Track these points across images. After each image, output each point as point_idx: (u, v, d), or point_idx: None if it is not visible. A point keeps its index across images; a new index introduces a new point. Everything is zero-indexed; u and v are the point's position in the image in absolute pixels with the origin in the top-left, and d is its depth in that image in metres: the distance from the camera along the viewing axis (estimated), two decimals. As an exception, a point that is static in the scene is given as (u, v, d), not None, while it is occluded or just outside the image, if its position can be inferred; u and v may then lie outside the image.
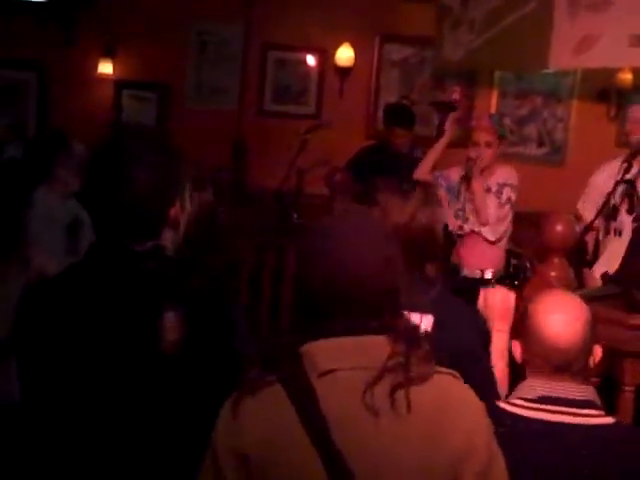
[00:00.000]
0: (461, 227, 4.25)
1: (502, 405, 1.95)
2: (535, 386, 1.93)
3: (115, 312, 1.63)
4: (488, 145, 4.18)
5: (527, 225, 4.22)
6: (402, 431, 1.40)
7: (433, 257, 2.23)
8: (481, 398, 2.19)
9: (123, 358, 1.62)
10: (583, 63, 4.37)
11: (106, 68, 6.39)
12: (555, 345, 1.89)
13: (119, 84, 6.47)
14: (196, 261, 1.89)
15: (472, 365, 2.16)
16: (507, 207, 4.21)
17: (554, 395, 1.90)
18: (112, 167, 1.66)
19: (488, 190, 4.22)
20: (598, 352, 1.96)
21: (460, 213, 4.27)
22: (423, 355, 1.46)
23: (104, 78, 6.42)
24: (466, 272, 4.18)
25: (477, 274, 4.12)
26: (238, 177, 5.99)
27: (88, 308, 1.65)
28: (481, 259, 4.18)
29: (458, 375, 1.51)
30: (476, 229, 4.22)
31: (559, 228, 2.51)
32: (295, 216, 5.09)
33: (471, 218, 4.23)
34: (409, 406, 1.40)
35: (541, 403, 1.89)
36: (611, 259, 3.53)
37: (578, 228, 3.23)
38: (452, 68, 5.85)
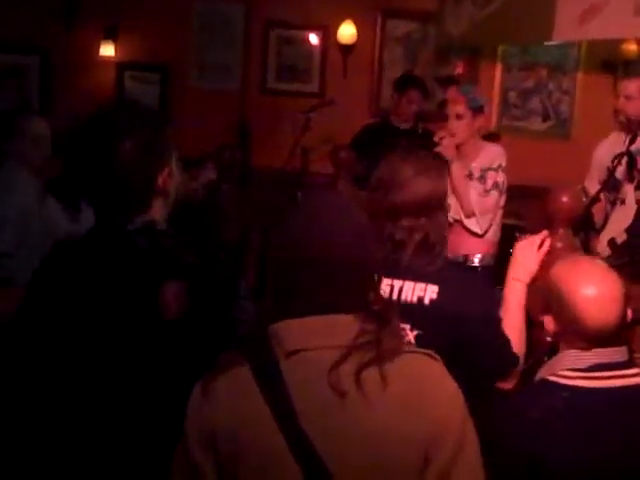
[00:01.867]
0: None
1: (553, 379, 1.94)
2: (581, 356, 1.93)
3: (114, 290, 1.63)
4: (459, 117, 3.82)
5: (533, 200, 4.16)
6: (369, 411, 1.38)
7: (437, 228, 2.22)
8: (497, 365, 2.20)
9: (125, 332, 1.62)
10: (587, 34, 4.33)
11: (108, 50, 6.36)
12: (599, 325, 1.90)
13: (121, 66, 6.44)
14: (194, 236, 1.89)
15: (483, 330, 2.16)
16: (494, 194, 3.80)
17: (605, 361, 1.91)
18: (95, 139, 1.67)
19: (470, 176, 3.83)
20: (629, 314, 1.97)
21: None
22: (392, 332, 1.44)
23: (106, 60, 6.40)
24: (449, 257, 3.78)
25: (460, 259, 3.79)
26: (242, 156, 5.98)
27: (85, 288, 1.65)
28: (467, 247, 3.83)
29: (435, 355, 1.48)
30: (458, 218, 3.82)
31: (564, 199, 2.50)
32: (299, 195, 5.08)
33: (453, 207, 3.74)
34: (376, 385, 1.37)
35: (594, 371, 1.90)
36: (616, 226, 3.53)
37: (584, 199, 3.22)
38: (456, 43, 5.81)
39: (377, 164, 2.29)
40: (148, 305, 1.61)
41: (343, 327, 1.42)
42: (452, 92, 4.02)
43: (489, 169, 3.81)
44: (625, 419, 1.87)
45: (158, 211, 1.72)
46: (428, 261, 2.17)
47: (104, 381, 1.64)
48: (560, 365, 1.97)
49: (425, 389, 1.42)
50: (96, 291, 1.64)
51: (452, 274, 2.25)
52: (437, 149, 3.75)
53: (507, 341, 2.20)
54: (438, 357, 1.48)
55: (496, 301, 2.32)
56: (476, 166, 3.85)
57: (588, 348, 1.93)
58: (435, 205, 2.22)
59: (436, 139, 3.79)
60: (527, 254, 2.35)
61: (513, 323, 2.26)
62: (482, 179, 3.82)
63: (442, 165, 2.34)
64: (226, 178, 4.52)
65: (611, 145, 3.91)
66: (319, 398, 1.39)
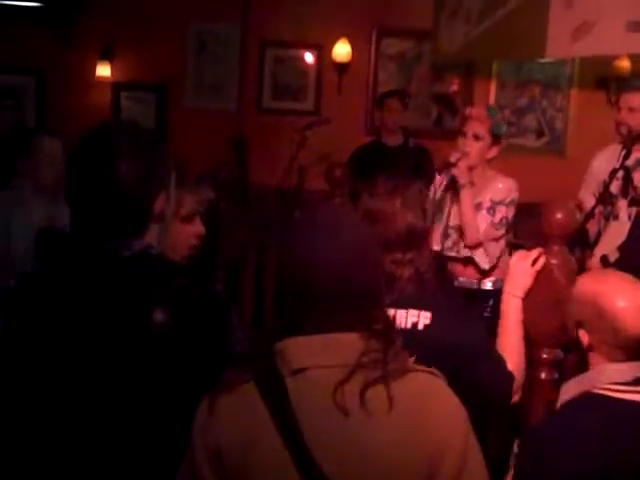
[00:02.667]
0: (451, 249, 3.60)
1: (602, 392, 1.95)
2: (623, 370, 1.94)
3: (103, 315, 1.62)
4: (477, 138, 3.54)
5: (529, 216, 4.17)
6: (373, 430, 1.38)
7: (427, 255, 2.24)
8: (494, 389, 2.20)
9: (111, 358, 1.61)
10: (580, 51, 4.36)
11: (104, 71, 6.39)
12: (632, 335, 1.92)
13: (117, 86, 6.47)
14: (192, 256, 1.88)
15: (478, 358, 2.17)
16: (501, 229, 3.55)
17: None
18: (93, 161, 1.65)
19: (479, 206, 3.56)
20: None
21: (451, 232, 3.61)
22: (396, 351, 1.44)
23: (102, 81, 6.43)
24: (462, 281, 3.63)
25: (474, 284, 3.60)
26: (239, 174, 6.00)
27: (74, 312, 1.63)
28: (478, 274, 3.61)
29: (437, 372, 1.49)
30: (468, 254, 3.57)
31: (559, 216, 2.50)
32: (297, 212, 5.09)
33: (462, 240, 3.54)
34: (380, 404, 1.38)
35: (638, 384, 1.91)
36: (609, 242, 3.54)
37: (579, 216, 3.23)
38: (450, 60, 5.84)
39: (367, 188, 2.29)
40: (139, 333, 1.60)
41: (348, 346, 1.43)
42: (478, 110, 3.64)
43: (500, 203, 3.56)
44: None
45: (153, 235, 1.71)
46: (419, 289, 2.19)
47: (98, 405, 1.63)
48: (603, 378, 1.97)
49: (428, 406, 1.42)
50: (87, 319, 1.62)
51: (444, 300, 2.27)
52: (453, 171, 3.52)
53: (501, 361, 2.21)
54: (440, 374, 1.49)
55: (488, 325, 2.34)
56: (487, 197, 3.58)
57: (625, 360, 1.94)
58: (422, 237, 2.24)
59: (452, 160, 3.52)
60: (522, 269, 2.37)
61: (510, 339, 2.27)
62: (492, 211, 3.56)
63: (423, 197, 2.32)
64: (223, 197, 4.53)
65: (609, 158, 3.93)
66: (324, 416, 1.39)
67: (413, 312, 2.15)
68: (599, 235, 3.82)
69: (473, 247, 3.55)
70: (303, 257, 1.45)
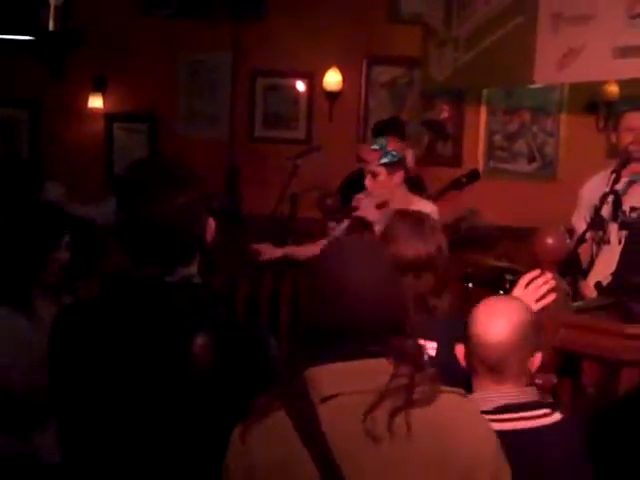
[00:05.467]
0: None
1: None
2: (489, 397, 1.93)
3: (145, 342, 1.64)
4: (373, 176, 3.56)
5: (522, 241, 4.17)
6: (404, 455, 1.40)
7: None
8: None
9: (153, 387, 1.62)
10: (568, 77, 4.41)
11: (96, 102, 6.42)
12: (483, 341, 1.92)
13: (110, 117, 6.50)
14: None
15: None
16: None
17: (511, 402, 1.92)
18: (151, 190, 1.67)
19: None
20: (537, 359, 1.98)
21: None
22: (429, 376, 1.47)
23: (95, 112, 6.46)
24: None
25: None
26: (232, 203, 6.01)
27: (118, 339, 1.65)
28: None
29: (463, 392, 1.52)
30: None
31: (550, 241, 2.52)
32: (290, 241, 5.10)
33: None
34: (409, 429, 1.39)
35: (500, 413, 1.89)
36: (602, 268, 3.54)
37: (569, 240, 3.24)
38: (440, 87, 5.89)
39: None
40: (180, 358, 1.61)
41: (378, 371, 1.45)
42: (363, 150, 3.67)
43: None
44: (526, 463, 1.84)
45: (194, 265, 1.73)
46: (425, 318, 2.17)
47: (137, 435, 1.64)
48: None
49: (458, 428, 1.44)
50: (129, 342, 1.64)
51: (450, 330, 2.25)
52: (355, 213, 3.55)
53: None
54: (465, 393, 1.52)
55: None
56: None
57: (493, 384, 1.93)
58: (427, 264, 2.24)
59: (353, 203, 3.59)
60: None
61: None
62: None
63: (433, 225, 2.31)
64: (215, 226, 4.54)
65: (599, 184, 3.94)
66: (356, 442, 1.41)
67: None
68: (592, 260, 3.82)
69: None
70: (332, 289, 1.47)
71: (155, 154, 2.36)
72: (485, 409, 1.88)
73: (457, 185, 4.30)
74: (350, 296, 1.46)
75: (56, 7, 5.97)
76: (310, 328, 1.51)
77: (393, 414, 1.40)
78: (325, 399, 1.43)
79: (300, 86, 6.46)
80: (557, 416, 1.94)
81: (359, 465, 1.40)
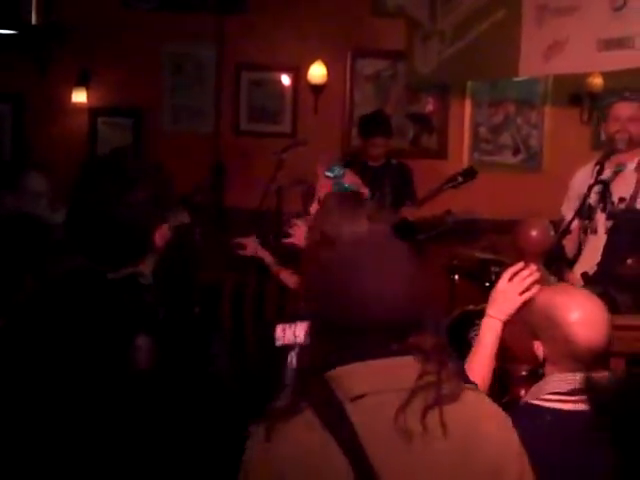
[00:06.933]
0: None
1: (536, 402, 1.97)
2: (565, 379, 1.96)
3: (86, 340, 1.62)
4: (319, 203, 3.20)
5: (507, 233, 4.17)
6: (436, 451, 1.42)
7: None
8: None
9: (93, 384, 1.60)
10: (552, 69, 4.42)
11: (80, 97, 6.38)
12: (589, 349, 1.95)
13: (94, 112, 6.46)
14: (171, 287, 1.88)
15: None
16: None
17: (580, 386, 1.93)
18: (105, 185, 1.66)
19: None
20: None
21: None
22: (453, 372, 1.48)
23: (78, 107, 6.42)
24: None
25: None
26: (216, 197, 5.99)
27: (57, 336, 1.63)
28: None
29: (478, 388, 1.55)
30: None
31: (534, 233, 2.53)
32: (272, 236, 5.08)
33: None
34: (444, 426, 1.41)
35: (576, 394, 1.92)
36: (589, 258, 3.55)
37: (553, 232, 3.24)
38: (425, 80, 5.89)
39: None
40: (118, 357, 1.59)
41: (405, 370, 1.46)
42: (319, 168, 3.35)
43: None
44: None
45: (147, 265, 1.71)
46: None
47: (73, 431, 1.62)
48: (544, 389, 2.00)
49: (482, 424, 1.46)
50: (69, 339, 1.63)
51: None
52: (288, 240, 3.40)
53: None
54: (479, 389, 1.57)
55: None
56: None
57: (578, 370, 1.96)
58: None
59: (288, 228, 3.44)
60: (510, 295, 2.30)
61: (481, 362, 2.24)
62: None
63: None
64: (199, 221, 4.52)
65: (588, 174, 3.94)
66: (388, 440, 1.41)
67: None
68: (579, 250, 3.83)
69: None
70: (354, 289, 1.47)
71: (116, 151, 2.35)
72: (560, 391, 1.95)
73: (453, 184, 4.30)
74: (373, 295, 1.46)
75: (38, 1, 5.93)
76: (332, 328, 1.50)
77: (425, 411, 1.41)
78: (354, 399, 1.43)
79: (285, 79, 6.44)
80: None
81: (392, 463, 1.41)
